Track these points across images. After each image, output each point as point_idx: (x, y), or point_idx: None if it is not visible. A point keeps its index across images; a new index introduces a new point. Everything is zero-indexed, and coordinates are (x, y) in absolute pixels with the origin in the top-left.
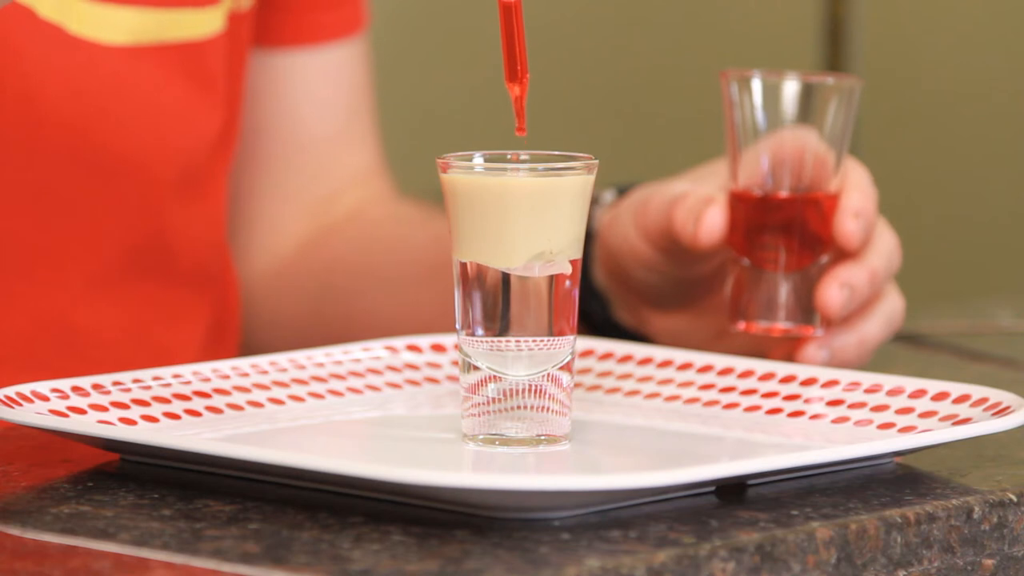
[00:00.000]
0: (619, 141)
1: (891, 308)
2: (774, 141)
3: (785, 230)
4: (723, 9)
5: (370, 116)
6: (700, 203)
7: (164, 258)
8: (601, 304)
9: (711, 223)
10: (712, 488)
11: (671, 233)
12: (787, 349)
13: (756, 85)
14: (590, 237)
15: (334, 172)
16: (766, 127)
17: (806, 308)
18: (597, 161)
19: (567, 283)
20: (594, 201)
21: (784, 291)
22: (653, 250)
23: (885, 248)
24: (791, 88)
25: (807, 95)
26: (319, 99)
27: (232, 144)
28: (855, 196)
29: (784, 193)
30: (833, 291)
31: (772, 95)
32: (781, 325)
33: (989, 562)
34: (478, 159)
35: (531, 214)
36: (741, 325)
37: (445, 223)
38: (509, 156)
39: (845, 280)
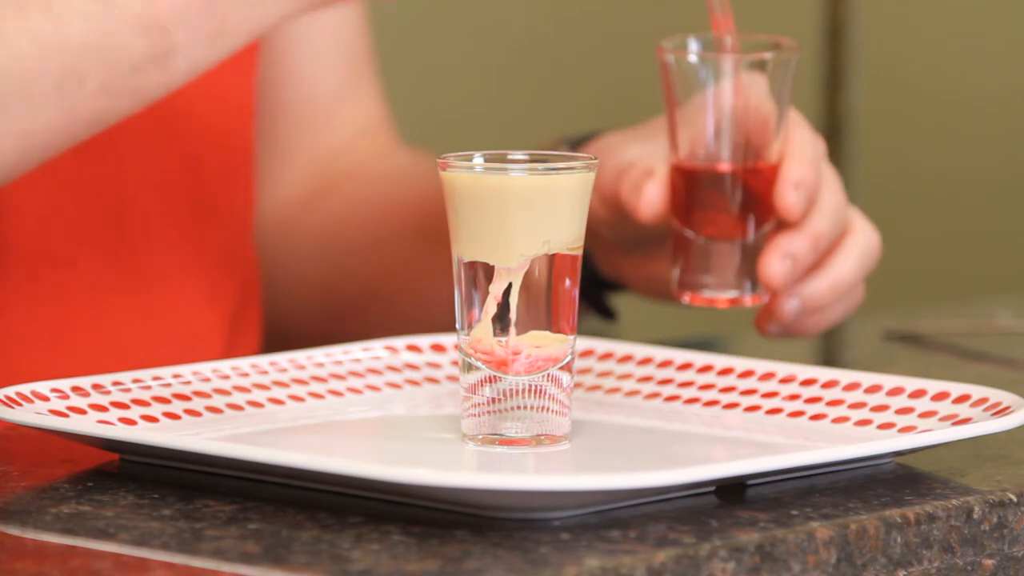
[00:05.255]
0: None
1: (864, 242)
2: (714, 102)
3: (726, 200)
4: None
5: (371, 70)
6: (642, 176)
7: (197, 239)
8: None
9: (651, 198)
10: (712, 488)
11: (618, 203)
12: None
13: (692, 56)
14: None
15: (336, 128)
16: (703, 97)
17: (752, 276)
18: (597, 160)
19: (567, 283)
20: None
21: (728, 261)
22: (608, 212)
23: (828, 208)
24: (727, 58)
25: (744, 65)
26: (318, 53)
27: (252, 112)
28: (795, 166)
29: (724, 163)
30: (775, 263)
31: (708, 65)
32: (727, 295)
33: (989, 562)
34: (478, 159)
35: (531, 213)
36: (686, 297)
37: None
38: (509, 156)
39: (786, 250)
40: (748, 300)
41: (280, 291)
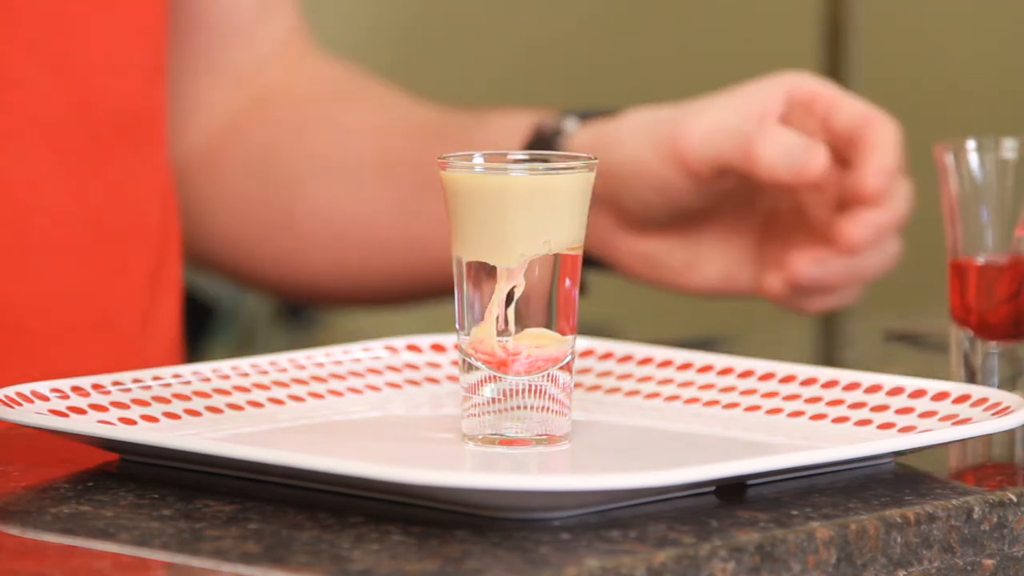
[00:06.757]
0: None
1: (891, 248)
2: (998, 200)
3: (1013, 299)
4: (723, 10)
5: None
6: (800, 148)
7: (106, 214)
8: None
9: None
10: (712, 488)
11: (742, 165)
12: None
13: (972, 153)
14: None
15: (259, 37)
16: (984, 194)
17: None
18: (597, 160)
19: (567, 283)
20: (557, 132)
21: (1013, 360)
22: (683, 176)
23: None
24: (1008, 154)
25: None
26: None
27: (163, 72)
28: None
29: (1011, 262)
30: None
31: (989, 161)
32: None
33: (989, 562)
34: (478, 158)
35: (531, 213)
36: None
37: (389, 97)
38: (509, 155)
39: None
40: None
41: (216, 205)
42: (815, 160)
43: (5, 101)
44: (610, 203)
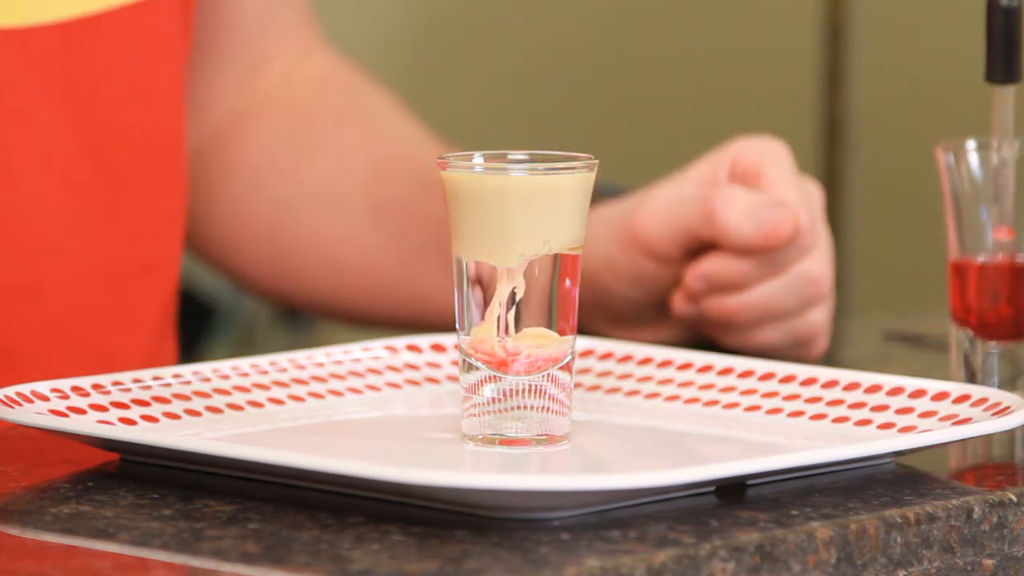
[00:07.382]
0: (620, 143)
1: (801, 270)
2: (998, 198)
3: (1014, 299)
4: (723, 10)
5: None
6: (762, 205)
7: (123, 250)
8: None
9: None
10: (712, 488)
11: (705, 229)
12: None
13: (972, 153)
14: None
15: (265, 30)
16: (984, 194)
17: None
18: (597, 161)
19: (567, 283)
20: None
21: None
22: (649, 260)
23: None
24: (1007, 153)
25: None
26: None
27: (184, 101)
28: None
29: (1014, 260)
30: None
31: (989, 161)
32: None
33: (989, 562)
34: (478, 159)
35: (531, 213)
36: None
37: (387, 119)
38: (509, 155)
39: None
40: None
41: (212, 230)
42: (785, 221)
43: (15, 138)
44: (599, 309)
